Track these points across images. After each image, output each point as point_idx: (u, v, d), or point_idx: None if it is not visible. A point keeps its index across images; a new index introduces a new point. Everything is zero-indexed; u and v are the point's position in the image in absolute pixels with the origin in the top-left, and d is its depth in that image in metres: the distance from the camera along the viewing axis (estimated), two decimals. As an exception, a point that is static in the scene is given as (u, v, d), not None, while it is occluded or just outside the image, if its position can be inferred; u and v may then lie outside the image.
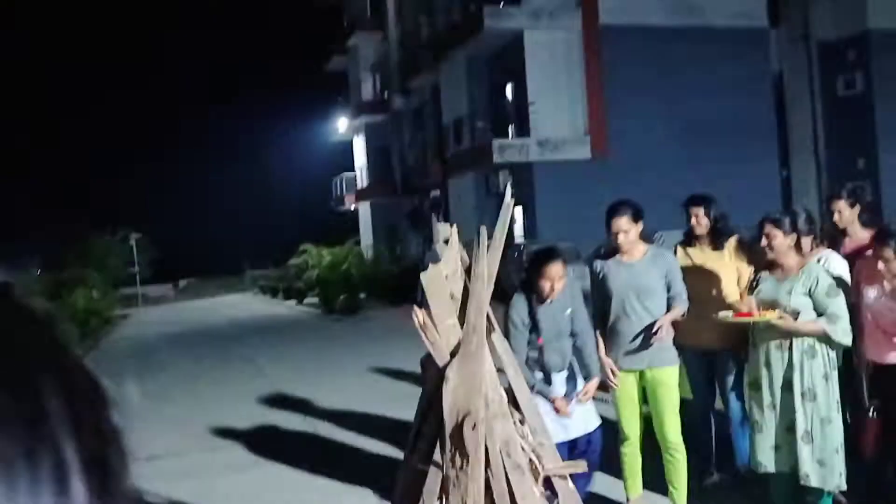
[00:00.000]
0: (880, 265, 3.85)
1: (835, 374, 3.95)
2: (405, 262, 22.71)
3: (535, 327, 4.18)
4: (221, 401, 9.15)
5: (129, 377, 11.99)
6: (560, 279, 4.09)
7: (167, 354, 14.86)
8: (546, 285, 4.09)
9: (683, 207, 4.81)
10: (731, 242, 4.74)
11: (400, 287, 18.17)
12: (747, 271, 4.59)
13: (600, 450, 4.32)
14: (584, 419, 4.20)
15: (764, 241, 4.03)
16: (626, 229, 4.17)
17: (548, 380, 4.22)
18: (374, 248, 27.87)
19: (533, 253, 4.58)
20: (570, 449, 4.13)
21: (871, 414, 4.10)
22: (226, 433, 7.42)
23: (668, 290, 4.23)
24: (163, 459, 6.59)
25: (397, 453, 3.50)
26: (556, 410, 4.08)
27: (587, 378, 4.26)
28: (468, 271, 3.31)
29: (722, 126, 19.36)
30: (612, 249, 4.38)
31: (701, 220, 4.70)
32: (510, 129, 20.40)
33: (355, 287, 20.83)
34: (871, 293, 4.01)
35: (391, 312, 17.63)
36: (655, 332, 4.11)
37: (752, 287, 4.21)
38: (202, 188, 52.42)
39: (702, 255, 4.73)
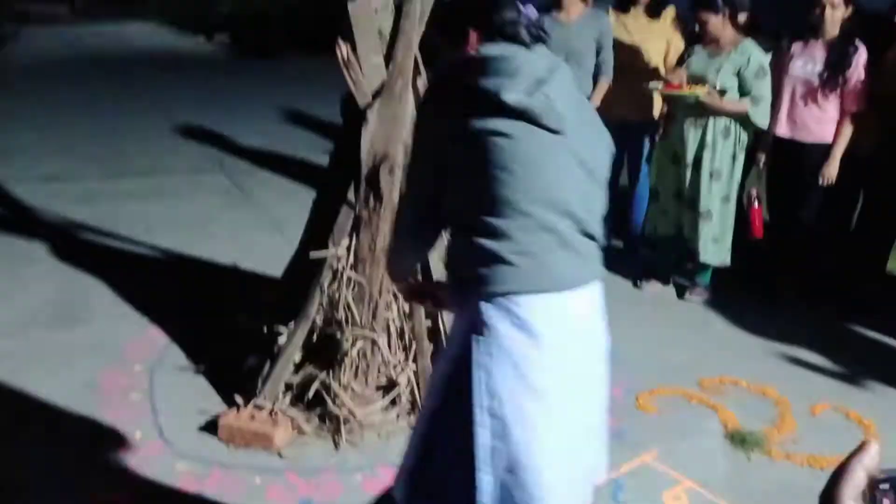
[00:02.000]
0: (828, 11, 3.88)
1: (742, 156, 4.07)
2: (330, 8, 21.36)
3: None
4: (123, 129, 8.76)
5: (21, 96, 11.28)
6: None
7: (64, 77, 13.94)
8: None
9: None
10: (669, 13, 4.59)
11: (322, 34, 17.20)
12: (679, 45, 4.50)
13: None
14: None
15: (698, 27, 3.95)
16: None
17: None
18: (295, -12, 25.97)
19: None
20: None
21: (753, 202, 4.29)
22: (128, 162, 7.18)
23: (598, 54, 4.19)
24: (60, 182, 6.38)
25: (310, 195, 3.46)
26: None
27: None
28: (399, 8, 3.09)
29: None
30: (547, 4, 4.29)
31: None
32: None
33: (272, 28, 19.59)
34: (798, 63, 4.04)
35: (310, 61, 16.87)
36: None
37: (683, 59, 4.16)
38: None
39: (635, 24, 4.57)
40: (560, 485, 1.59)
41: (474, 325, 1.60)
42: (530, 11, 1.63)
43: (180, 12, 28.65)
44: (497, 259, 1.56)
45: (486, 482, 1.57)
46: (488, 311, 1.58)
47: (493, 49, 1.62)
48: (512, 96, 1.54)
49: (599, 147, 1.67)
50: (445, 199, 1.64)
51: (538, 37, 1.64)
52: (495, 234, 1.56)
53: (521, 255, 1.55)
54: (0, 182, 6.20)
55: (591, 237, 1.64)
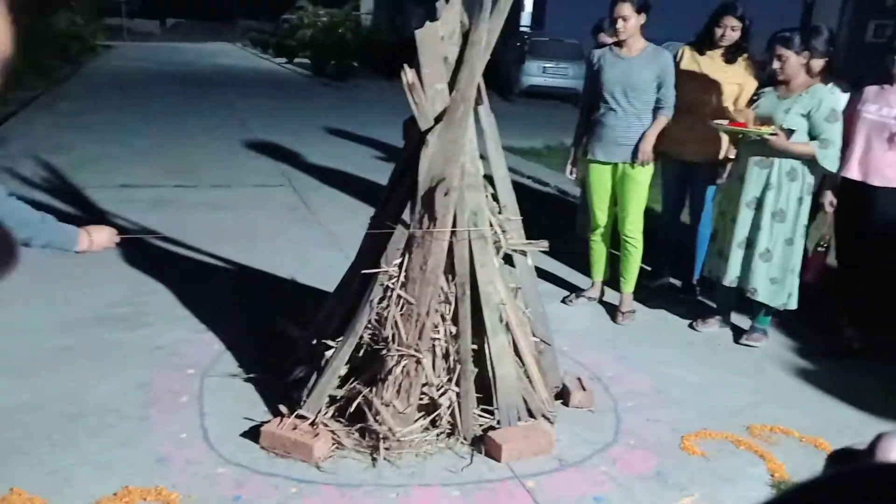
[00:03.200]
0: None
1: (808, 199, 3.98)
2: (404, 35, 21.82)
3: None
4: (199, 142, 9.09)
5: (107, 107, 11.79)
6: None
7: (149, 90, 14.55)
8: None
9: (715, 14, 4.51)
10: (743, 58, 4.54)
11: (395, 60, 17.53)
12: (752, 89, 4.45)
13: None
14: None
15: (776, 63, 3.88)
16: (627, 16, 4.10)
17: None
18: (374, 16, 26.66)
19: None
20: None
21: (817, 247, 4.21)
22: (201, 172, 7.44)
23: (658, 89, 4.18)
24: (134, 189, 6.64)
25: (369, 211, 3.52)
26: None
27: None
28: (466, 36, 3.15)
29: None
30: (613, 43, 4.31)
31: (733, 34, 4.44)
32: None
33: (348, 53, 20.14)
34: (871, 108, 3.96)
35: (382, 84, 17.23)
36: (637, 151, 4.20)
37: (753, 101, 4.11)
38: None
39: (710, 64, 4.53)
40: None
41: None
42: None
43: (264, 36, 29.69)
44: None
45: None
46: None
47: None
48: None
49: None
50: None
51: None
52: None
53: None
54: (78, 188, 6.50)
55: None
